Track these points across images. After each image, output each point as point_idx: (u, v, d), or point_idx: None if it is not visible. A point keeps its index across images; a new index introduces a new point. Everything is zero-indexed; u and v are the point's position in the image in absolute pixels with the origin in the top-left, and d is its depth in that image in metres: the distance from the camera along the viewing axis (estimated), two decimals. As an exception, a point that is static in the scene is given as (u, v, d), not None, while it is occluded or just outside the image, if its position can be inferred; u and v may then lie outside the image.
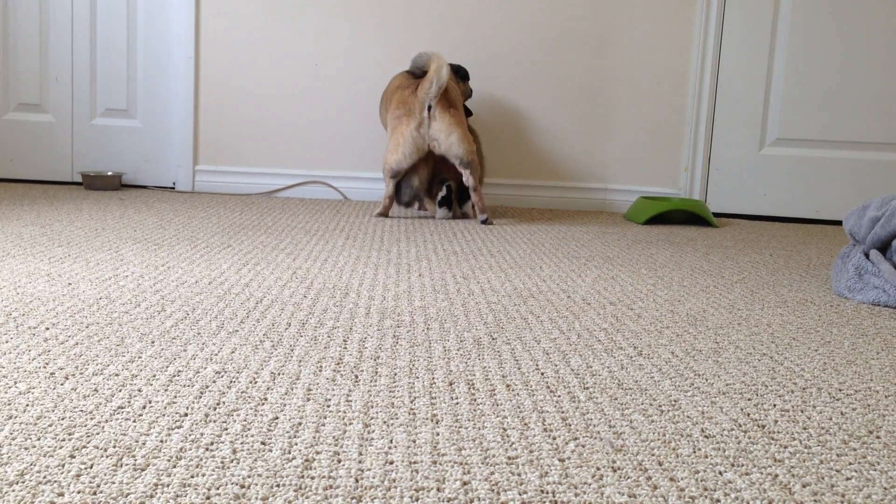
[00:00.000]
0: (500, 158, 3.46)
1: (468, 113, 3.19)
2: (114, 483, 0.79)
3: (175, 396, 1.03)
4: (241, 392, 1.06)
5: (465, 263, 2.06)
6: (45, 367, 1.12)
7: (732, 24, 3.35)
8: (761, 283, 1.98)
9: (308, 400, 1.04)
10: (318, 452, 0.88)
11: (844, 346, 1.44)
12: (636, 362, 1.27)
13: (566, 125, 3.46)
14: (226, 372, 1.14)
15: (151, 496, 0.77)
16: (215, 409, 1.00)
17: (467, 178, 2.84)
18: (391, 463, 0.87)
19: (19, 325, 1.32)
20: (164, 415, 0.97)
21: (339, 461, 0.86)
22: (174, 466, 0.83)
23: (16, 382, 1.05)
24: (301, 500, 0.77)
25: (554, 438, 0.95)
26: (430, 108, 2.79)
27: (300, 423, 0.96)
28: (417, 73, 2.89)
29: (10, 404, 0.98)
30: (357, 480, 0.82)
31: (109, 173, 3.47)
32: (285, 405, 1.02)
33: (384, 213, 2.92)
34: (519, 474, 0.85)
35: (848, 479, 0.88)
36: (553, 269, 2.03)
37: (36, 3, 3.50)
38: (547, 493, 0.81)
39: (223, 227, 2.48)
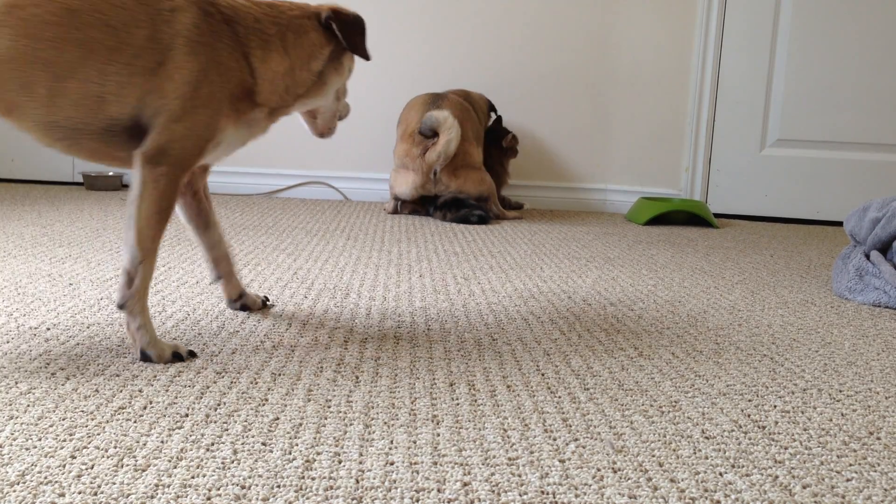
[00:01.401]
0: (500, 159, 3.46)
1: (504, 149, 3.21)
2: (115, 484, 0.79)
3: (176, 397, 1.03)
4: (242, 393, 1.06)
5: (466, 264, 2.06)
6: (46, 368, 1.12)
7: (733, 24, 3.35)
8: (762, 284, 1.98)
9: (309, 401, 1.04)
10: (318, 453, 0.88)
11: (845, 347, 1.44)
12: (637, 363, 1.27)
13: (567, 126, 3.46)
14: (226, 372, 1.14)
15: (152, 497, 0.77)
16: (216, 409, 1.00)
17: (490, 209, 2.99)
18: (392, 464, 0.87)
19: (20, 325, 1.32)
20: (164, 415, 0.97)
21: (340, 462, 0.87)
22: (175, 467, 0.83)
23: (17, 382, 1.06)
24: (302, 501, 0.78)
25: (554, 439, 0.95)
26: (436, 172, 2.89)
27: (301, 424, 0.96)
28: (427, 135, 2.88)
29: (11, 405, 0.98)
30: (358, 481, 0.82)
31: (111, 173, 3.47)
32: (286, 406, 1.02)
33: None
34: (520, 475, 0.85)
35: (848, 480, 0.88)
36: (554, 270, 2.03)
37: (37, 4, 3.50)
38: (547, 494, 0.81)
39: (224, 228, 2.48)
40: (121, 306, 1.17)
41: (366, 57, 1.34)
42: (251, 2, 1.25)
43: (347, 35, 1.30)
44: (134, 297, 1.17)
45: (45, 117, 1.11)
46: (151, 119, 1.13)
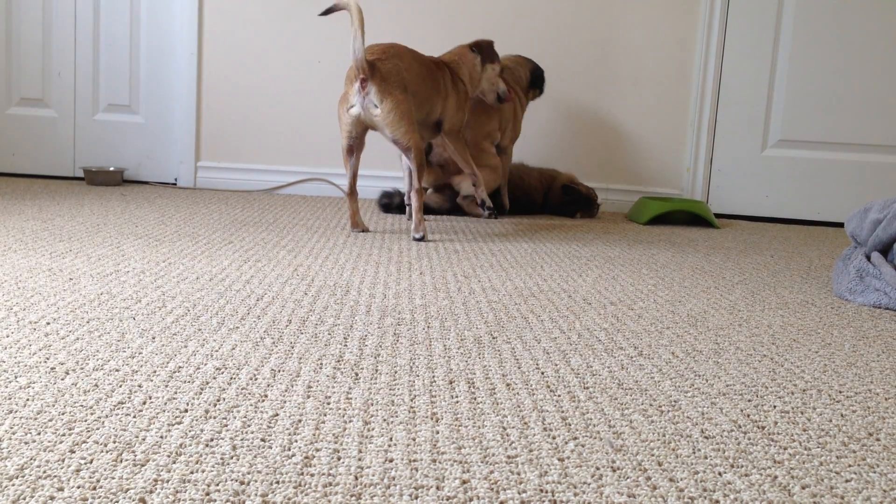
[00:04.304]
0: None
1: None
2: (113, 478, 0.79)
3: (175, 392, 1.03)
4: (242, 389, 1.06)
5: (466, 262, 2.06)
6: (45, 362, 1.12)
7: (736, 25, 3.35)
8: (762, 285, 1.98)
9: (308, 397, 1.04)
10: (317, 450, 0.88)
11: (845, 348, 1.44)
12: (636, 362, 1.27)
13: (568, 124, 3.46)
14: (226, 368, 1.14)
15: (151, 492, 0.77)
16: (215, 405, 1.00)
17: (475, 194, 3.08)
18: (391, 461, 0.87)
19: (20, 319, 1.32)
20: (164, 411, 0.97)
21: (339, 458, 0.86)
22: (174, 462, 0.83)
23: (16, 377, 1.06)
24: (300, 497, 0.78)
25: (553, 438, 0.95)
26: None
27: (300, 421, 0.96)
28: None
29: (10, 399, 0.98)
30: (356, 478, 0.82)
31: (111, 169, 3.47)
32: (285, 402, 1.02)
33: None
34: (518, 473, 0.85)
35: (847, 481, 0.88)
36: (554, 269, 2.03)
37: (39, -2, 3.50)
38: (546, 492, 0.81)
39: (224, 224, 2.48)
40: (483, 200, 2.83)
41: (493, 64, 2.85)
42: (451, 57, 2.73)
43: (485, 54, 2.79)
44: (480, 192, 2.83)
45: (418, 118, 2.44)
46: (442, 119, 2.61)
